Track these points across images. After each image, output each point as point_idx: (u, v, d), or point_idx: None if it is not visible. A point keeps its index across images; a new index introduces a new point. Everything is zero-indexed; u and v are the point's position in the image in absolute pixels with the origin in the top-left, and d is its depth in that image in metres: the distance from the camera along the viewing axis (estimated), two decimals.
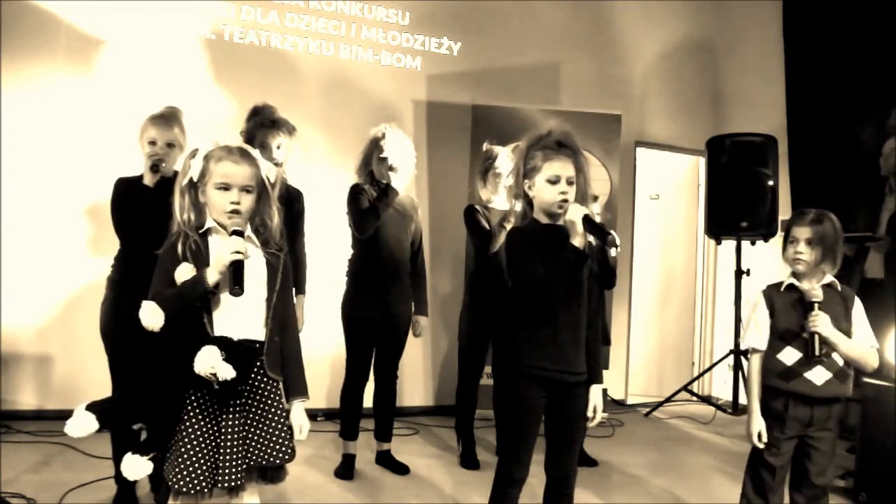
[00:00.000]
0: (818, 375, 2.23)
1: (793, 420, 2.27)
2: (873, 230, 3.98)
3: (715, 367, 5.29)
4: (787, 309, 2.29)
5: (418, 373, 4.67)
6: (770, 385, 2.30)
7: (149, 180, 2.62)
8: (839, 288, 2.30)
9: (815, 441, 2.28)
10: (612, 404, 5.15)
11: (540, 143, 2.09)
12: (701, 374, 5.40)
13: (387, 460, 3.44)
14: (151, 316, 1.73)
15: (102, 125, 3.90)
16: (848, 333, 2.26)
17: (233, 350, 1.77)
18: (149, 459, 1.79)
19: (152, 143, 2.70)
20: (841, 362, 2.25)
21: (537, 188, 2.07)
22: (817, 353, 2.18)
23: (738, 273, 4.82)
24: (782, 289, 2.33)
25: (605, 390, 4.78)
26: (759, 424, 2.30)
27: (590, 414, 2.16)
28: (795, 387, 2.25)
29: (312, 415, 4.11)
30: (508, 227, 2.16)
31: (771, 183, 4.68)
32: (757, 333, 2.34)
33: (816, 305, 2.20)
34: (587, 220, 1.97)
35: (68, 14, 3.95)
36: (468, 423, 3.64)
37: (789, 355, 2.27)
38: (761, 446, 2.30)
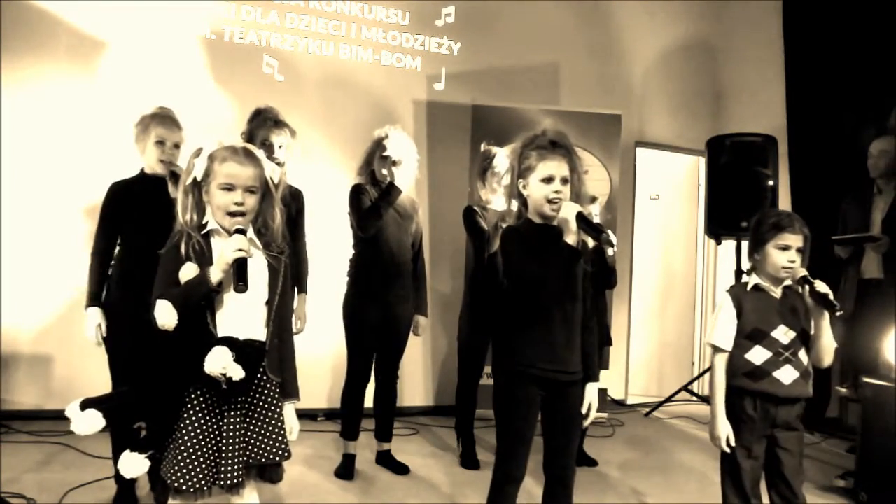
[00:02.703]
0: (786, 375, 2.23)
1: (761, 420, 2.26)
2: (865, 231, 3.97)
3: None
4: (756, 309, 2.29)
5: (418, 373, 4.67)
6: (737, 385, 2.28)
7: (172, 189, 2.61)
8: (798, 290, 2.30)
9: (784, 441, 2.27)
10: (612, 404, 5.15)
11: (534, 142, 2.10)
12: (701, 374, 5.40)
13: (387, 460, 3.44)
14: (167, 315, 1.74)
15: (102, 125, 3.90)
16: (809, 334, 2.27)
17: (239, 350, 1.77)
18: (146, 458, 1.79)
19: (160, 143, 2.71)
20: (806, 361, 2.26)
21: (532, 188, 2.08)
22: (838, 310, 2.18)
23: (738, 273, 4.81)
24: (748, 289, 2.32)
25: (604, 390, 4.79)
26: (725, 428, 2.27)
27: (584, 411, 2.16)
28: (764, 387, 2.24)
29: (313, 415, 4.16)
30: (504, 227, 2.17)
31: (771, 183, 4.67)
32: (723, 333, 2.31)
33: (805, 280, 2.22)
34: (581, 217, 1.98)
35: (68, 14, 3.95)
36: (468, 423, 3.64)
37: (758, 354, 2.26)
38: (728, 451, 2.28)
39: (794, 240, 2.25)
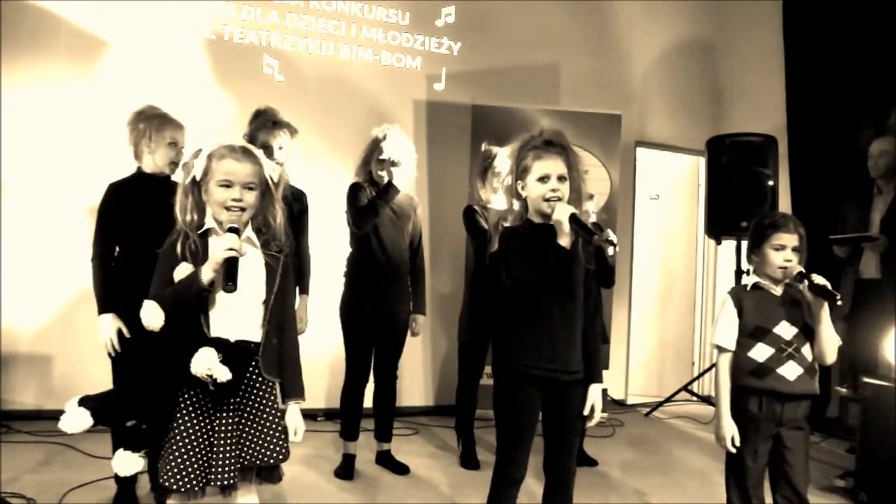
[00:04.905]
0: (790, 371, 2.24)
1: (766, 419, 2.27)
2: (864, 231, 3.97)
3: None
4: (757, 307, 2.31)
5: (418, 373, 4.67)
6: (742, 385, 2.29)
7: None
8: (798, 287, 2.31)
9: (789, 440, 2.27)
10: (612, 404, 5.15)
11: (529, 143, 2.11)
12: (701, 374, 5.40)
13: (387, 460, 3.44)
14: (152, 316, 1.74)
15: (102, 125, 3.89)
16: (813, 331, 2.26)
17: (229, 351, 1.77)
18: (140, 456, 1.79)
19: (173, 144, 2.71)
20: (810, 357, 2.27)
21: (529, 188, 2.09)
22: (839, 299, 2.16)
23: (738, 273, 4.81)
24: (748, 289, 2.35)
25: (604, 390, 4.78)
26: (731, 428, 2.28)
27: (587, 413, 2.16)
28: (769, 384, 2.24)
29: (312, 415, 4.16)
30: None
31: (771, 183, 4.67)
32: (725, 332, 2.33)
33: (802, 276, 2.22)
34: (574, 219, 1.98)
35: (69, 14, 3.95)
36: (468, 423, 3.64)
37: (761, 351, 2.27)
38: (734, 451, 2.29)
39: (789, 239, 2.28)
